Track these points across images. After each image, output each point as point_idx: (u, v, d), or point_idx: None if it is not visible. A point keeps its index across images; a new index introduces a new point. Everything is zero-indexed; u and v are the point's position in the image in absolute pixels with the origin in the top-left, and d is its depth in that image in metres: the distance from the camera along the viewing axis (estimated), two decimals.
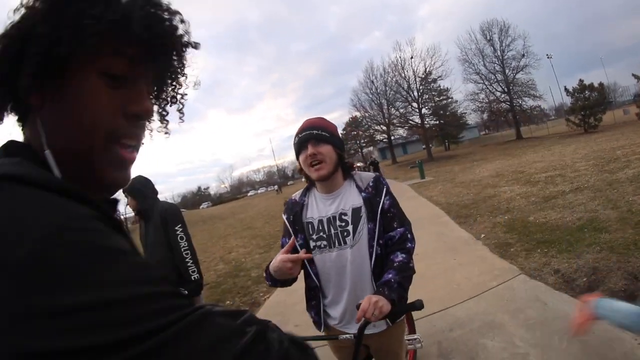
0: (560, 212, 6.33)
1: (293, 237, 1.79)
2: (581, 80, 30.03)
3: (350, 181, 1.94)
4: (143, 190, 3.37)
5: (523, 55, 38.75)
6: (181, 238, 3.16)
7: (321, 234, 1.86)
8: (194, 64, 0.76)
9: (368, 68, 46.71)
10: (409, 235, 1.82)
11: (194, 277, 3.16)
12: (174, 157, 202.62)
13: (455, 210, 9.06)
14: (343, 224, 1.83)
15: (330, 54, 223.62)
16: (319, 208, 1.92)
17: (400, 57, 42.58)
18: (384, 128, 47.84)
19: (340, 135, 1.95)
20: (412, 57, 41.68)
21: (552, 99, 55.05)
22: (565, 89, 31.09)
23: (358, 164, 23.13)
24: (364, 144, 59.55)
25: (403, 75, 42.39)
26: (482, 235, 6.29)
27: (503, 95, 40.83)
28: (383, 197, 1.83)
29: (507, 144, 35.19)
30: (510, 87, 39.80)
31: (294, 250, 1.83)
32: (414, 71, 42.04)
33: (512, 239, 5.59)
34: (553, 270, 4.06)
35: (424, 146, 44.86)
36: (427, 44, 68.41)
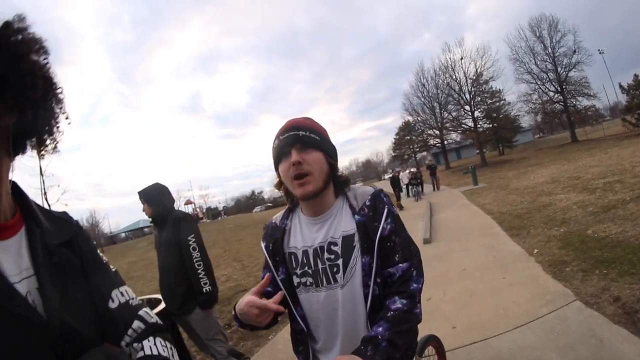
0: (621, 225, 5.75)
1: (267, 274, 1.47)
2: (636, 76, 27.93)
3: (342, 199, 1.51)
4: (160, 197, 3.34)
5: (574, 52, 36.33)
6: (193, 249, 3.09)
7: (306, 268, 1.47)
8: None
9: (419, 71, 45.32)
10: (414, 273, 1.38)
11: (206, 289, 3.08)
12: (230, 161, 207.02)
13: (507, 221, 8.55)
14: (332, 256, 1.43)
15: (381, 57, 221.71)
16: (303, 235, 1.51)
17: (450, 59, 41.19)
18: (437, 132, 46.38)
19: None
20: (462, 58, 40.22)
21: (607, 98, 51.48)
22: (620, 86, 29.18)
23: (412, 169, 22.87)
24: (418, 149, 58.32)
25: (454, 77, 41.02)
26: (535, 251, 5.82)
27: (556, 95, 38.51)
28: (383, 221, 1.41)
29: (562, 147, 33.31)
30: (564, 86, 37.48)
31: (268, 293, 1.48)
32: (464, 73, 40.57)
33: (568, 257, 5.09)
34: (612, 298, 3.57)
35: (477, 151, 43.30)
36: (476, 44, 66.12)
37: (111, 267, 1.12)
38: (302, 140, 1.38)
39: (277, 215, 1.65)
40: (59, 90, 0.92)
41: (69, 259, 0.98)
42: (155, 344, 1.03)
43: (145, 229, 64.16)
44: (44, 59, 0.85)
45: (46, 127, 0.91)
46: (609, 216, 6.51)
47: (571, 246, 5.49)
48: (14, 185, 0.96)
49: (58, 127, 0.95)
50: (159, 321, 1.13)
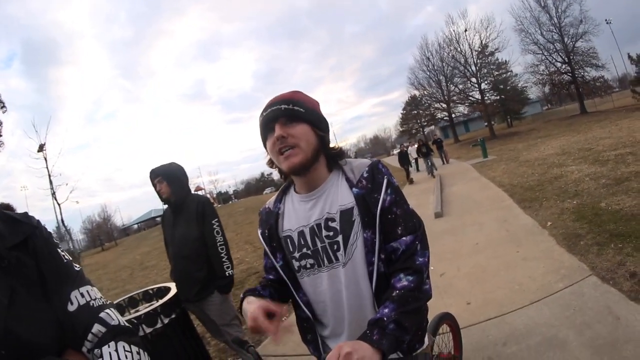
0: (635, 198, 5.55)
1: (279, 310, 1.27)
2: None
3: (338, 173, 1.41)
4: (182, 179, 3.13)
5: (581, 21, 34.91)
6: (217, 232, 2.99)
7: (304, 250, 1.37)
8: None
9: (423, 44, 43.90)
10: (418, 247, 1.28)
11: (228, 273, 3.00)
12: (238, 145, 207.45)
13: (519, 193, 8.37)
14: (331, 233, 1.33)
15: (384, 32, 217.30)
16: (297, 215, 1.42)
17: (454, 31, 40.07)
18: (444, 106, 45.59)
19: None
20: (466, 30, 39.07)
21: (615, 69, 49.67)
22: (629, 57, 28.23)
23: (419, 140, 22.58)
24: (425, 123, 57.55)
25: (459, 49, 39.98)
26: (549, 224, 5.66)
27: (564, 66, 37.28)
28: (383, 192, 1.30)
29: (572, 118, 32.46)
30: (571, 57, 36.21)
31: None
32: (469, 45, 39.46)
33: (582, 229, 4.94)
34: (629, 274, 3.42)
35: (485, 123, 42.52)
36: (480, 16, 63.99)
37: (75, 266, 1.06)
38: (284, 113, 1.30)
39: (271, 200, 1.57)
40: None
41: (20, 261, 0.93)
42: (116, 350, 0.94)
43: (157, 219, 63.56)
44: None
45: None
46: (622, 189, 6.31)
47: (585, 219, 5.33)
48: None
49: None
50: (123, 322, 1.03)
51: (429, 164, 18.46)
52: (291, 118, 1.30)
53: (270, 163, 1.45)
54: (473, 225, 6.97)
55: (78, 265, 1.07)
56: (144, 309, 2.96)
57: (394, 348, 1.11)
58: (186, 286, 3.03)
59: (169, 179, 3.04)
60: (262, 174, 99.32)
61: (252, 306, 1.27)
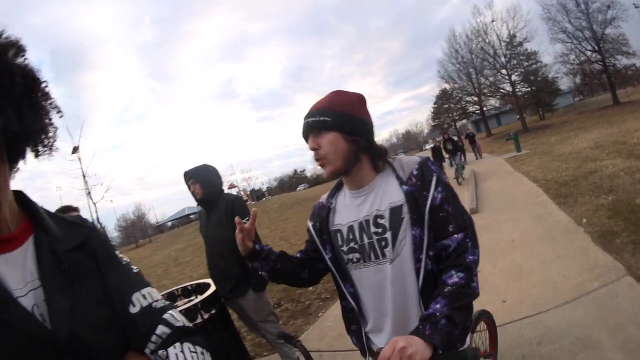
0: None
1: (255, 209, 1.46)
2: None
3: (388, 170, 1.41)
4: (214, 179, 3.17)
5: (608, 7, 32.76)
6: None
7: (352, 244, 1.39)
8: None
9: (450, 37, 42.45)
10: (469, 245, 1.28)
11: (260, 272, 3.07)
12: (269, 143, 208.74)
13: (553, 188, 8.18)
14: (379, 230, 1.33)
15: (410, 25, 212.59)
16: (348, 210, 1.44)
17: (481, 22, 38.72)
18: (475, 99, 44.37)
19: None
20: (493, 21, 37.64)
21: None
22: None
23: (454, 137, 21.78)
24: (457, 117, 56.27)
25: (487, 40, 38.55)
26: (584, 220, 5.52)
27: (594, 55, 35.32)
28: (432, 189, 1.29)
29: (604, 110, 31.03)
30: (601, 45, 34.15)
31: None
32: (497, 35, 38.05)
33: (618, 227, 4.80)
34: None
35: (517, 116, 41.20)
36: (506, 5, 61.33)
37: (133, 267, 1.03)
38: (312, 127, 1.35)
39: (324, 195, 1.60)
40: (43, 85, 0.85)
41: (80, 264, 0.90)
42: (182, 351, 0.92)
43: (191, 216, 64.50)
44: (22, 56, 0.80)
45: (38, 126, 0.85)
46: None
47: (620, 216, 5.18)
48: (20, 195, 0.91)
49: (52, 124, 0.89)
50: (187, 324, 1.00)
51: (457, 165, 14.39)
52: (319, 129, 1.34)
53: None
54: (508, 221, 6.89)
55: (136, 267, 1.04)
56: (182, 304, 3.03)
57: (445, 343, 1.10)
58: (220, 283, 3.10)
59: (201, 180, 3.09)
60: (295, 170, 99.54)
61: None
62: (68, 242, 0.90)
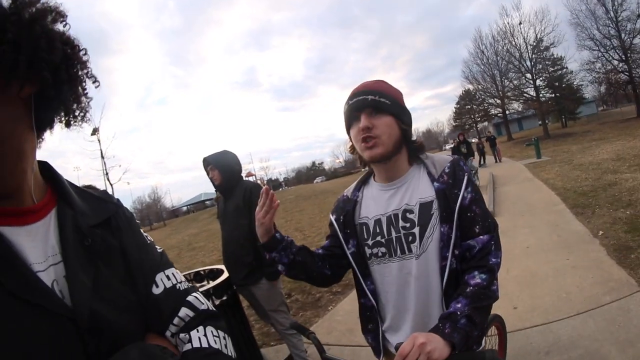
0: None
1: (266, 186, 1.42)
2: None
3: (419, 166, 1.40)
4: (233, 166, 3.14)
5: (638, 16, 31.37)
6: None
7: (378, 237, 1.37)
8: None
9: (477, 37, 41.55)
10: (493, 247, 1.26)
11: None
12: (289, 133, 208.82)
13: (572, 198, 8.08)
14: (408, 224, 1.32)
15: (436, 23, 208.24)
16: (376, 204, 1.41)
17: (508, 24, 37.75)
18: (498, 102, 43.32)
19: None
20: (520, 23, 36.64)
21: None
22: None
23: (473, 140, 21.37)
24: (479, 119, 55.53)
25: (513, 43, 37.56)
26: (600, 233, 5.48)
27: (621, 65, 33.96)
28: (463, 189, 1.29)
29: (627, 121, 29.96)
30: (628, 55, 32.80)
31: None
32: (524, 38, 37.05)
33: (634, 242, 4.76)
34: None
35: (539, 122, 40.46)
36: (534, 8, 59.70)
37: (157, 247, 0.99)
38: (371, 104, 1.30)
39: (349, 188, 1.57)
40: (82, 53, 0.81)
41: (105, 241, 0.86)
42: (205, 334, 0.88)
43: (207, 202, 64.44)
44: (62, 21, 0.76)
45: (72, 95, 0.81)
46: None
47: (637, 231, 5.14)
48: (46, 166, 0.87)
49: (86, 94, 0.85)
50: (211, 307, 0.96)
51: (471, 169, 14.71)
52: (377, 109, 1.30)
53: (352, 149, 1.46)
54: (524, 227, 6.86)
55: (160, 247, 1.00)
56: None
57: (464, 343, 1.09)
58: (235, 269, 3.07)
59: (221, 167, 3.07)
60: (314, 162, 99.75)
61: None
62: (93, 218, 0.87)
